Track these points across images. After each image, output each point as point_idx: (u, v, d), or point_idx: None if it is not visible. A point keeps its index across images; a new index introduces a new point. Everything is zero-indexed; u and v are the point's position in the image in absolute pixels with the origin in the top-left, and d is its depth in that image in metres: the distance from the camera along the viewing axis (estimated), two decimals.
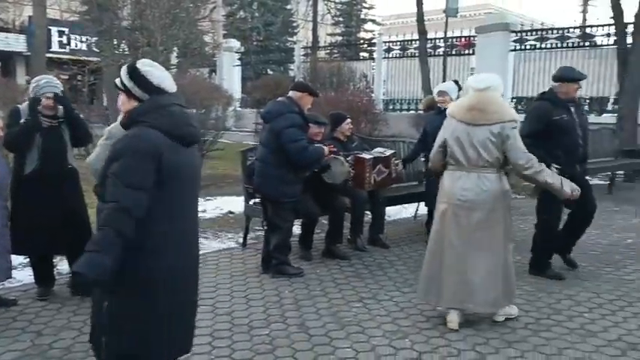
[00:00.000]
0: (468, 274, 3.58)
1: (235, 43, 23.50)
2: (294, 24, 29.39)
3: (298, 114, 4.56)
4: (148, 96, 2.31)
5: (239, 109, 20.85)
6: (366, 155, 5.33)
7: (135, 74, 2.31)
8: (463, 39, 17.61)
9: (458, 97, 5.41)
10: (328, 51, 21.87)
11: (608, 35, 14.28)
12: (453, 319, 3.62)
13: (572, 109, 4.61)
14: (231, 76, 22.45)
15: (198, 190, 2.53)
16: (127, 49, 12.25)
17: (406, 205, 6.91)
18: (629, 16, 11.06)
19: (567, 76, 4.62)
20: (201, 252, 5.14)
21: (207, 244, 5.64)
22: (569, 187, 3.74)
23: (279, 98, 4.77)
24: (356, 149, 5.53)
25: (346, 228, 5.39)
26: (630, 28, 11.01)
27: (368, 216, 5.70)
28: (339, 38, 31.69)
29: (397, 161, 5.58)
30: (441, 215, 3.74)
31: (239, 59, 23.39)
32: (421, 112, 14.55)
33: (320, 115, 5.33)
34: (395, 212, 6.99)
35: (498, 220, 3.63)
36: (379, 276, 4.69)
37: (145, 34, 11.43)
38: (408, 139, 8.15)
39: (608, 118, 12.42)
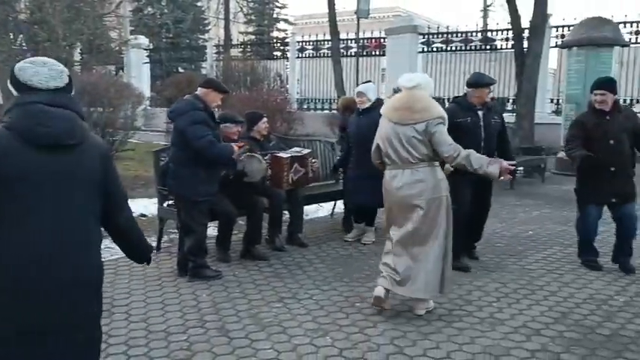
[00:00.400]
0: (414, 263, 3.76)
1: (144, 40, 22.71)
2: (206, 21, 28.83)
3: (203, 110, 4.42)
4: (18, 94, 2.11)
5: (149, 108, 20.20)
6: (283, 154, 5.33)
7: (12, 72, 2.14)
8: (374, 40, 18.06)
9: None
10: (241, 49, 21.64)
11: (507, 39, 15.16)
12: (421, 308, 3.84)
13: (480, 113, 4.86)
14: (140, 74, 21.67)
15: (84, 195, 2.10)
16: (24, 44, 11.52)
17: (323, 204, 6.97)
18: (525, 22, 11.80)
19: (478, 82, 4.89)
20: (112, 257, 5.01)
21: (119, 249, 5.41)
22: (495, 168, 3.79)
23: (186, 96, 4.65)
24: (273, 148, 5.52)
25: (264, 228, 5.36)
26: (527, 33, 11.74)
27: (286, 215, 5.69)
28: (252, 37, 31.49)
29: (314, 161, 5.63)
30: (387, 212, 4.00)
31: (148, 56, 22.62)
32: (335, 111, 14.82)
33: (236, 114, 5.27)
34: (312, 211, 7.05)
35: (438, 210, 3.78)
36: (298, 275, 4.70)
37: (45, 29, 10.79)
38: (323, 138, 8.26)
39: (509, 118, 13.19)
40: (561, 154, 9.59)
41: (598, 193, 4.77)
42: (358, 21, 14.54)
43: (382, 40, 17.76)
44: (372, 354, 3.27)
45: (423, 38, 17.05)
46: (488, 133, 4.83)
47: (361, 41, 17.70)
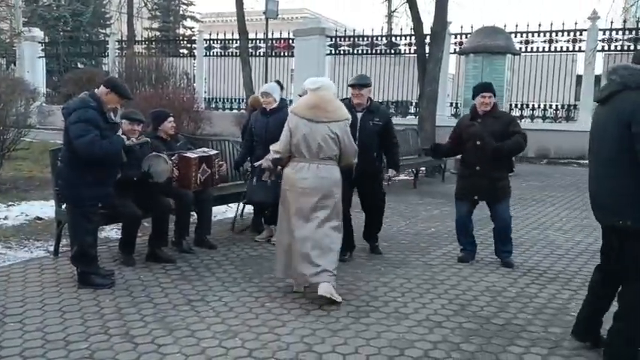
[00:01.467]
0: (311, 248, 4.06)
1: (39, 33, 21.40)
2: (107, 15, 27.61)
3: (94, 109, 4.17)
4: None
5: (45, 105, 19.03)
6: (191, 154, 5.23)
7: None
8: (283, 41, 18.12)
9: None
10: (146, 46, 20.90)
11: (410, 45, 15.78)
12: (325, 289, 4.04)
13: (359, 114, 5.05)
14: (34, 69, 20.40)
15: None
16: None
17: (232, 204, 6.90)
18: (427, 28, 12.32)
19: (354, 83, 5.13)
20: (4, 264, 4.67)
21: (12, 255, 5.08)
22: None
23: (82, 94, 4.39)
24: (180, 148, 5.40)
25: (171, 230, 5.22)
26: (428, 39, 12.26)
27: (194, 217, 5.58)
28: (158, 33, 30.53)
29: (221, 163, 5.57)
30: (284, 199, 4.21)
31: (43, 50, 21.32)
32: (243, 111, 14.71)
33: (137, 112, 5.08)
34: (221, 212, 6.96)
35: (333, 202, 4.17)
36: (207, 277, 4.62)
37: None
38: (232, 138, 8.17)
39: (412, 120, 13.74)
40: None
41: (464, 190, 5.13)
42: (267, 21, 14.51)
43: (291, 41, 17.88)
44: (282, 353, 3.29)
45: (331, 41, 17.35)
46: (363, 134, 4.99)
47: (270, 42, 17.72)
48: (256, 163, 4.76)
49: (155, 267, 4.81)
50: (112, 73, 17.69)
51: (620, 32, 14.17)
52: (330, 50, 17.37)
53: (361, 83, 5.08)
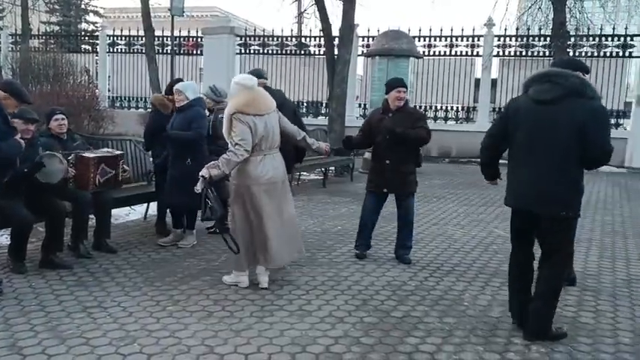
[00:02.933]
0: (291, 234, 4.51)
1: None
2: None
3: None
4: None
5: None
6: (89, 154, 5.03)
7: None
8: (191, 39, 17.76)
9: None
10: (43, 40, 19.73)
11: (320, 46, 15.97)
12: (264, 279, 4.41)
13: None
14: None
15: None
16: None
17: (135, 207, 6.68)
18: (336, 30, 12.53)
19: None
20: None
21: None
22: None
23: None
24: (78, 148, 5.15)
25: (67, 234, 4.97)
26: (337, 41, 12.48)
27: (92, 220, 5.34)
28: (57, 28, 28.90)
29: (126, 168, 5.34)
30: (243, 196, 4.33)
31: None
32: (150, 109, 14.25)
33: (29, 110, 4.79)
34: (123, 214, 6.72)
35: (288, 189, 4.61)
36: (106, 282, 4.44)
37: None
38: (136, 137, 7.90)
39: (324, 120, 13.93)
40: (367, 155, 10.36)
41: (373, 183, 5.31)
42: (172, 18, 14.15)
43: (199, 40, 17.56)
44: (182, 356, 3.23)
45: (241, 40, 17.22)
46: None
47: (178, 39, 17.30)
48: (204, 173, 4.39)
49: (49, 274, 4.56)
50: (4, 69, 16.55)
51: (514, 39, 15.13)
52: (240, 49, 17.25)
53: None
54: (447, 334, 3.64)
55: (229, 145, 4.27)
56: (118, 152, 5.42)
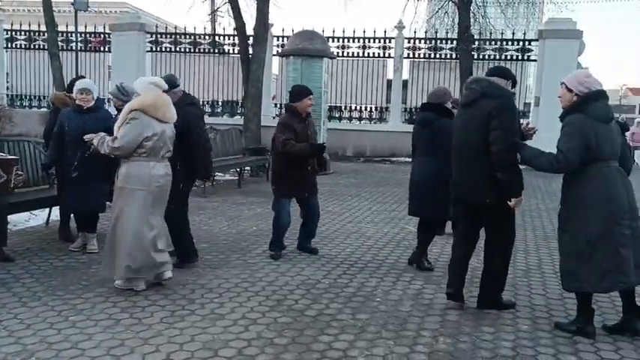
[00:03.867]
0: (163, 244, 4.39)
1: None
2: None
3: None
4: None
5: None
6: None
7: None
8: (98, 35, 17.00)
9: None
10: None
11: (234, 45, 15.78)
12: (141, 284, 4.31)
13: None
14: None
15: None
16: None
17: (36, 212, 6.28)
18: (250, 29, 12.45)
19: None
20: None
21: None
22: None
23: None
24: None
25: None
26: (252, 40, 12.39)
27: None
28: None
29: (20, 173, 4.96)
30: (130, 198, 4.21)
31: None
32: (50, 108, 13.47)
33: None
34: (23, 220, 6.31)
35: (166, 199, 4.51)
36: (1, 293, 4.14)
37: None
38: (35, 138, 7.43)
39: (239, 120, 13.78)
40: None
41: (295, 189, 5.32)
42: (76, 13, 13.46)
43: (107, 36, 16.84)
44: None
45: (151, 37, 16.69)
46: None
47: (84, 35, 16.50)
48: (87, 137, 4.47)
49: None
50: None
51: (423, 41, 15.68)
52: (151, 47, 16.72)
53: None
54: (359, 330, 3.69)
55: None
56: (12, 157, 5.07)
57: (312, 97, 5.40)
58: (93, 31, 16.90)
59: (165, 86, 4.41)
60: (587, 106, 3.60)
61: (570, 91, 3.69)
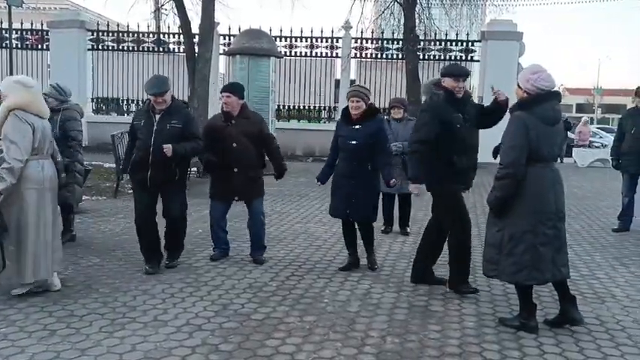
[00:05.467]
0: (53, 248, 4.25)
1: None
2: None
3: None
4: None
5: None
6: None
7: None
8: (35, 33, 16.30)
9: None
10: None
11: (180, 43, 15.45)
12: (58, 282, 4.30)
13: (157, 116, 4.80)
14: None
15: None
16: None
17: None
18: (196, 28, 12.18)
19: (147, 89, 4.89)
20: None
21: None
22: None
23: None
24: None
25: None
26: (197, 38, 12.13)
27: None
28: None
29: None
30: (37, 198, 4.10)
31: None
32: None
33: None
34: None
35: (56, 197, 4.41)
36: None
37: None
38: None
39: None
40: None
41: (222, 191, 5.20)
42: (9, 9, 12.83)
43: (46, 34, 16.18)
44: None
45: (93, 35, 16.17)
46: (159, 135, 4.71)
47: (20, 32, 15.79)
48: None
49: None
50: None
51: (370, 42, 15.80)
52: (92, 45, 16.18)
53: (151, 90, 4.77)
54: (307, 333, 3.64)
55: (4, 149, 3.98)
56: None
57: (225, 95, 5.07)
58: (30, 28, 16.21)
59: (31, 83, 4.22)
60: (534, 106, 3.64)
61: (521, 87, 3.73)
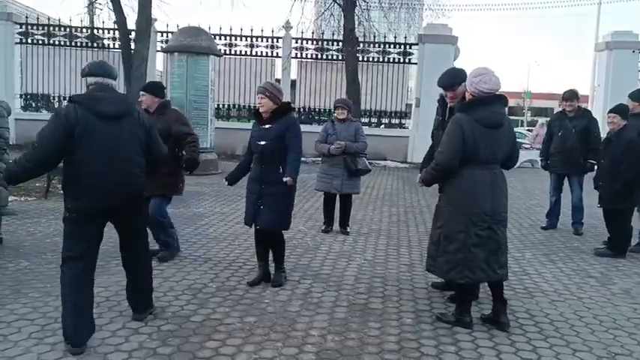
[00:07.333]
0: None
1: None
2: None
3: None
4: None
5: None
6: None
7: None
8: None
9: None
10: None
11: (115, 39, 15.01)
12: None
13: None
14: None
15: None
16: None
17: None
18: (132, 24, 11.86)
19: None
20: None
21: None
22: None
23: None
24: None
25: None
26: (134, 35, 11.83)
27: None
28: None
29: None
30: None
31: None
32: None
33: None
34: None
35: None
36: None
37: None
38: None
39: None
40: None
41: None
42: None
43: None
44: None
45: (21, 28, 15.45)
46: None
47: None
48: None
49: None
50: None
51: (310, 42, 15.87)
52: (21, 39, 15.46)
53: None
54: (247, 334, 3.61)
55: None
56: None
57: (142, 94, 5.16)
58: None
59: None
60: (474, 109, 3.71)
61: (467, 90, 3.83)
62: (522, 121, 44.83)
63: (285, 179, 4.43)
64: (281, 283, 4.62)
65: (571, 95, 7.09)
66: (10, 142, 5.74)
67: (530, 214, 8.38)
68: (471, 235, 3.70)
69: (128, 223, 3.67)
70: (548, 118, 9.04)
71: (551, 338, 3.73)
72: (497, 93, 3.77)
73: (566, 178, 7.24)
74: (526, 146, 16.26)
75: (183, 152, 5.09)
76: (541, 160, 7.66)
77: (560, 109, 7.51)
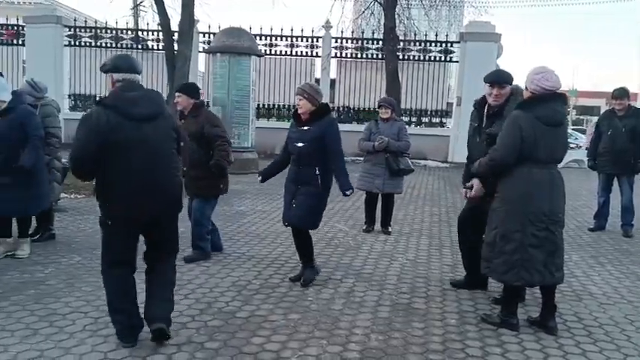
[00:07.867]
0: None
1: None
2: None
3: None
4: None
5: None
6: None
7: None
8: (10, 28, 16.03)
9: None
10: None
11: (158, 40, 15.34)
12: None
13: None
14: None
15: None
16: None
17: None
18: (175, 25, 12.09)
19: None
20: None
21: None
22: None
23: None
24: None
25: None
26: (177, 36, 12.05)
27: None
28: None
29: None
30: None
31: None
32: None
33: None
34: None
35: None
36: None
37: None
38: None
39: None
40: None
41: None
42: None
43: (21, 29, 15.91)
44: None
45: (70, 31, 15.95)
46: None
47: None
48: None
49: None
50: None
51: (350, 41, 15.87)
52: (70, 41, 15.96)
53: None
54: (292, 331, 3.66)
55: None
56: None
57: (177, 95, 5.21)
58: (5, 23, 15.93)
59: None
60: (535, 106, 3.63)
61: (527, 88, 3.75)
62: (568, 120, 43.64)
63: (347, 193, 4.46)
64: (310, 281, 4.61)
65: (621, 93, 6.90)
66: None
67: (577, 215, 8.18)
68: (527, 234, 3.62)
69: (161, 232, 3.44)
70: (594, 117, 8.81)
71: (601, 342, 3.65)
72: (557, 91, 3.68)
73: (615, 179, 7.05)
74: (572, 145, 15.84)
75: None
76: (588, 159, 7.47)
77: (609, 107, 7.31)
